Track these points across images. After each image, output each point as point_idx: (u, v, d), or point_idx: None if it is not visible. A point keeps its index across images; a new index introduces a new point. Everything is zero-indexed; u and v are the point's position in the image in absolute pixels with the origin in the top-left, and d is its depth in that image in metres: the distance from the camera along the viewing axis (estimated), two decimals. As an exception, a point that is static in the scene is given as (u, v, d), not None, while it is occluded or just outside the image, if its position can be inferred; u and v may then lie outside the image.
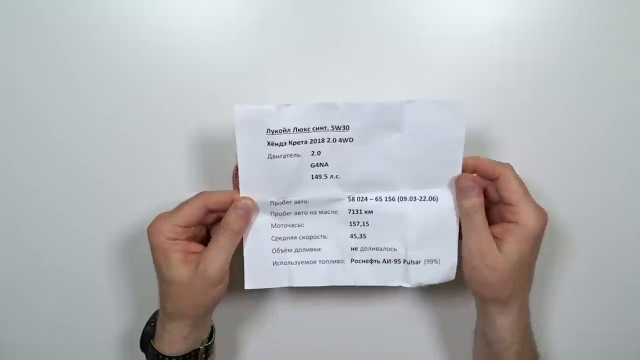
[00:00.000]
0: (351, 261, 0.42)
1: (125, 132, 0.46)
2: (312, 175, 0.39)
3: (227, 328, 0.47)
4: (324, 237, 0.41)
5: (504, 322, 0.39)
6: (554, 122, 0.46)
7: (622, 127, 0.46)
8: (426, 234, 0.40)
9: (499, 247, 0.37)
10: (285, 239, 0.41)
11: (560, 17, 0.44)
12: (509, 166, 0.39)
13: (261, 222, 0.40)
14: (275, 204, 0.40)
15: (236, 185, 0.41)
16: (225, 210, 0.39)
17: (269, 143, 0.38)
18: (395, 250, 0.41)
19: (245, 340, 0.51)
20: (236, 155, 0.39)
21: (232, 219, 0.38)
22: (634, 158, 0.47)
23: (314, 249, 0.41)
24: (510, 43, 0.45)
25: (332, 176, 0.39)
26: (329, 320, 0.50)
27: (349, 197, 0.40)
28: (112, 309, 0.49)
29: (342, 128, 0.38)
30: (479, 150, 0.46)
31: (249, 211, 0.39)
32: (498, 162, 0.39)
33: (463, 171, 0.39)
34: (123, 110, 0.45)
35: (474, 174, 0.39)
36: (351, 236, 0.41)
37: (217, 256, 0.38)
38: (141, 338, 0.43)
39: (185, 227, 0.38)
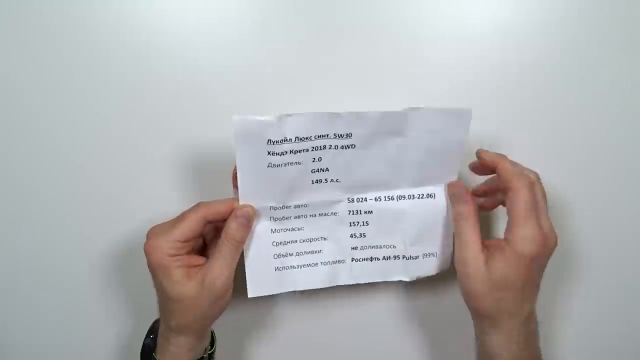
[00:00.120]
0: (352, 260, 0.42)
1: (124, 132, 0.46)
2: (313, 180, 0.39)
3: (227, 332, 0.47)
4: (324, 238, 0.41)
5: (491, 339, 0.38)
6: (554, 122, 0.46)
7: (622, 127, 0.46)
8: (424, 230, 0.41)
9: (487, 259, 0.36)
10: (285, 243, 0.41)
11: (560, 17, 0.44)
12: (523, 177, 0.36)
13: (261, 228, 0.40)
14: (275, 209, 0.39)
15: (236, 185, 0.40)
16: (224, 220, 0.38)
17: (269, 153, 0.37)
18: (394, 247, 0.42)
19: (246, 344, 0.51)
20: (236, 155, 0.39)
21: (233, 229, 0.37)
22: (634, 158, 0.47)
23: (315, 251, 0.41)
24: (510, 43, 0.45)
25: (332, 180, 0.39)
26: (329, 322, 0.50)
27: (348, 199, 0.41)
28: (112, 309, 0.49)
29: (344, 136, 0.37)
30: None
31: (250, 219, 0.38)
32: (516, 170, 0.37)
33: (478, 167, 0.40)
34: (122, 110, 0.45)
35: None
36: (351, 236, 0.41)
37: (222, 269, 0.37)
38: (141, 351, 0.42)
39: (185, 241, 0.37)
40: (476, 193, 0.42)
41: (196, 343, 0.39)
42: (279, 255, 0.41)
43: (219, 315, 0.39)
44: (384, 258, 0.42)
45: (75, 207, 0.47)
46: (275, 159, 0.37)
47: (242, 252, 0.39)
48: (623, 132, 0.46)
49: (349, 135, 0.37)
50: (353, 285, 0.43)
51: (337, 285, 0.42)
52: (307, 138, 0.37)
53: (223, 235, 0.37)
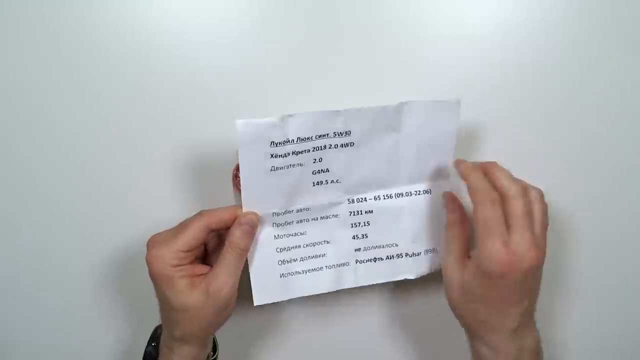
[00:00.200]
0: (356, 262, 0.42)
1: (124, 132, 0.46)
2: (314, 182, 0.39)
3: (230, 339, 0.47)
4: (327, 242, 0.41)
5: (479, 350, 0.38)
6: (554, 122, 0.46)
7: (622, 126, 0.46)
8: (423, 226, 0.42)
9: (463, 270, 0.37)
10: (289, 249, 0.40)
11: (559, 17, 0.44)
12: (486, 194, 0.35)
13: (264, 235, 0.39)
14: (278, 214, 0.39)
15: (236, 185, 0.41)
16: (227, 228, 0.37)
17: (272, 155, 0.37)
18: (397, 245, 0.42)
19: (249, 351, 0.51)
20: (236, 154, 0.38)
21: (237, 237, 0.37)
22: (634, 158, 0.47)
23: (319, 255, 0.41)
24: (510, 43, 0.45)
25: (332, 181, 0.39)
26: (333, 328, 0.50)
27: (348, 200, 0.41)
28: (111, 309, 0.49)
29: (344, 134, 0.38)
30: (478, 150, 0.46)
31: (254, 226, 0.37)
32: (481, 186, 0.36)
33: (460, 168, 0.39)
34: (122, 110, 0.45)
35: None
36: (353, 237, 0.42)
37: (227, 278, 0.36)
38: (143, 358, 0.42)
39: (188, 251, 0.36)
40: None
41: (200, 351, 0.39)
42: (283, 262, 0.40)
43: (223, 323, 0.39)
44: (387, 257, 0.42)
45: (75, 207, 0.47)
46: (278, 162, 0.37)
47: (246, 260, 0.39)
48: (623, 132, 0.46)
49: (347, 133, 0.38)
50: (356, 289, 0.42)
51: (341, 290, 0.42)
52: (308, 138, 0.37)
53: (227, 243, 0.37)
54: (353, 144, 0.38)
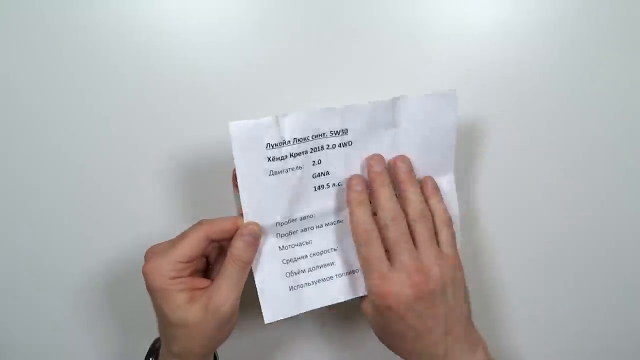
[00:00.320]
0: None
1: (124, 132, 0.46)
2: (315, 187, 0.37)
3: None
4: (334, 249, 0.39)
5: None
6: (554, 122, 0.46)
7: (621, 126, 0.46)
8: None
9: (369, 308, 0.37)
10: (295, 259, 0.38)
11: (559, 16, 0.44)
12: (358, 231, 0.35)
13: (268, 247, 0.37)
14: (281, 224, 0.37)
15: (236, 185, 0.40)
16: (228, 239, 0.35)
17: (269, 159, 0.35)
18: None
19: None
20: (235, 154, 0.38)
21: (240, 249, 0.34)
22: (633, 157, 0.47)
23: (327, 264, 0.39)
24: (510, 42, 0.45)
25: (334, 184, 0.38)
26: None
27: None
28: (112, 309, 0.49)
29: (340, 132, 0.36)
30: (478, 150, 0.46)
31: (257, 237, 0.35)
32: (355, 223, 0.36)
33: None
34: (122, 110, 0.45)
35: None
36: None
37: (229, 292, 0.34)
38: None
39: (187, 262, 0.34)
40: None
41: None
42: (290, 274, 0.38)
43: (225, 339, 0.37)
44: None
45: (75, 207, 0.47)
46: (276, 165, 0.35)
47: (251, 274, 0.37)
48: (622, 132, 0.46)
49: (344, 132, 0.36)
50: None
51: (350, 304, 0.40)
52: (305, 139, 0.36)
53: (229, 255, 0.34)
54: (351, 143, 0.37)
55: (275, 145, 0.35)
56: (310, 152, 0.36)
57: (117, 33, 0.44)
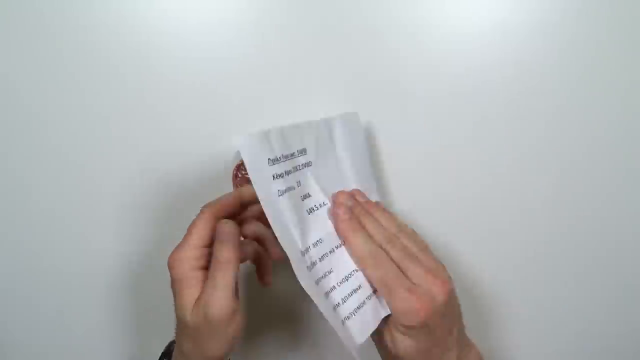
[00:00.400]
0: None
1: (124, 132, 0.46)
2: (307, 210, 0.35)
3: None
4: (356, 270, 0.36)
5: None
6: (553, 122, 0.46)
7: (621, 126, 0.46)
8: None
9: (390, 338, 0.35)
10: (331, 290, 0.35)
11: (559, 17, 0.44)
12: (365, 256, 0.34)
13: (309, 281, 0.33)
14: (303, 254, 0.34)
15: (236, 185, 0.40)
16: (236, 214, 0.36)
17: (273, 177, 0.33)
18: None
19: None
20: (236, 154, 0.38)
21: (216, 249, 0.34)
22: (633, 158, 0.47)
23: (356, 289, 0.35)
24: (510, 42, 0.45)
25: (321, 205, 0.36)
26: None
27: None
28: (112, 309, 0.49)
29: (303, 152, 0.35)
30: (478, 150, 0.46)
31: (231, 235, 0.34)
32: (357, 248, 0.35)
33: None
34: (122, 110, 0.45)
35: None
36: None
37: (212, 295, 0.33)
38: None
39: (204, 247, 0.34)
40: None
41: None
42: (337, 306, 0.34)
43: (228, 349, 0.35)
44: None
45: (76, 207, 0.47)
46: (280, 184, 0.33)
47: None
48: (622, 132, 0.46)
49: (305, 151, 0.35)
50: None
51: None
52: (287, 156, 0.34)
53: (212, 259, 0.34)
54: (311, 163, 0.35)
55: (275, 160, 0.33)
56: (294, 171, 0.34)
57: (117, 33, 0.44)
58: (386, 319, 0.35)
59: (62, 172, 0.46)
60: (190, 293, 0.34)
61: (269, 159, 0.32)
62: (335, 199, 0.37)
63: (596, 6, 0.44)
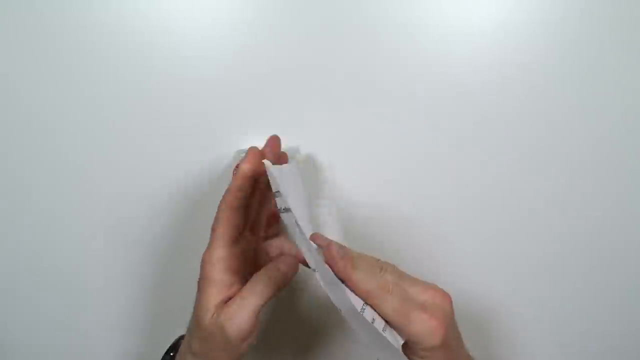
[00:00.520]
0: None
1: (124, 132, 0.46)
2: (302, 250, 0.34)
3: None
4: (364, 305, 0.33)
5: None
6: (554, 122, 0.46)
7: (622, 127, 0.46)
8: None
9: None
10: (359, 327, 0.33)
11: (559, 17, 0.44)
12: (372, 289, 0.32)
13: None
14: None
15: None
16: (254, 190, 0.35)
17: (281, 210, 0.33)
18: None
19: None
20: (235, 153, 0.38)
21: (267, 276, 0.34)
22: (634, 158, 0.47)
23: (372, 321, 0.33)
24: (510, 42, 0.45)
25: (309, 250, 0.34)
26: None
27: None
28: (112, 309, 0.49)
29: (277, 194, 0.34)
30: (478, 150, 0.46)
31: (291, 270, 0.34)
32: (362, 285, 0.32)
33: None
34: (122, 110, 0.45)
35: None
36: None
37: (238, 313, 0.32)
38: None
39: (232, 242, 0.34)
40: None
41: None
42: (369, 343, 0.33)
43: (239, 356, 0.35)
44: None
45: (75, 207, 0.47)
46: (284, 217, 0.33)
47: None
48: (623, 133, 0.46)
49: (279, 194, 0.33)
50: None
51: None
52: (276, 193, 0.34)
53: (253, 276, 0.34)
54: (289, 209, 0.32)
55: (276, 193, 0.33)
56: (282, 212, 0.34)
57: (117, 33, 0.44)
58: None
59: (62, 172, 0.46)
60: (215, 294, 0.34)
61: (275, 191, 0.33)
62: (315, 242, 0.34)
63: (598, 6, 0.44)
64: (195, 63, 0.45)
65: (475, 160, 0.46)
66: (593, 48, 0.44)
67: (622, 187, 0.47)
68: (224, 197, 0.36)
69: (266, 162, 0.34)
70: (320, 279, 0.32)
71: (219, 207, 0.36)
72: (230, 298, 0.34)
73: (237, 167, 0.42)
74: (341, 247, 0.34)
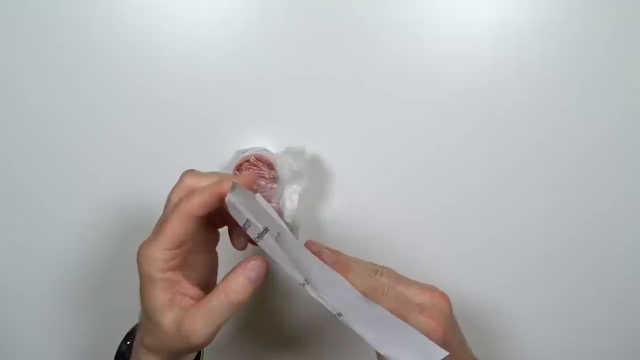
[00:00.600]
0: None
1: (124, 132, 0.46)
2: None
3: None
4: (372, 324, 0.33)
5: None
6: (554, 122, 0.46)
7: (622, 127, 0.46)
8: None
9: None
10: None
11: (560, 17, 0.44)
12: (373, 288, 0.32)
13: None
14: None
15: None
16: (218, 208, 0.31)
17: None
18: None
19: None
20: (235, 154, 0.38)
21: (236, 284, 0.30)
22: (634, 158, 0.47)
23: (376, 306, 0.32)
24: (510, 42, 0.45)
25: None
26: None
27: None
28: (112, 309, 0.49)
29: (248, 223, 0.31)
30: (478, 150, 0.46)
31: (261, 276, 0.31)
32: (361, 282, 0.32)
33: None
34: (122, 110, 0.45)
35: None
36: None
37: (204, 325, 0.30)
38: (115, 356, 0.39)
39: (176, 248, 0.30)
40: None
41: None
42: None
43: (187, 358, 0.34)
44: None
45: (75, 207, 0.47)
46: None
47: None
48: (623, 132, 0.46)
49: (248, 223, 0.31)
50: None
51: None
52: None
53: (220, 286, 0.31)
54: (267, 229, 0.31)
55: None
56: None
57: (118, 33, 0.44)
58: None
59: (62, 172, 0.46)
60: (159, 296, 0.30)
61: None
62: (309, 248, 0.33)
63: (598, 6, 0.44)
64: (196, 63, 0.45)
65: (475, 160, 0.46)
66: (593, 48, 0.44)
67: (622, 187, 0.47)
68: (188, 200, 0.31)
69: (229, 197, 0.30)
70: (311, 290, 0.31)
71: (179, 208, 0.31)
72: (180, 293, 0.31)
73: (237, 168, 0.42)
74: (333, 252, 0.34)
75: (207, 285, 0.34)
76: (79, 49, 0.44)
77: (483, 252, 0.49)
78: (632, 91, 0.45)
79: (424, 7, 0.44)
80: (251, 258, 0.31)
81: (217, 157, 0.46)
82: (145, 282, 0.31)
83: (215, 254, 0.36)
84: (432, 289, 0.33)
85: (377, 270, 0.34)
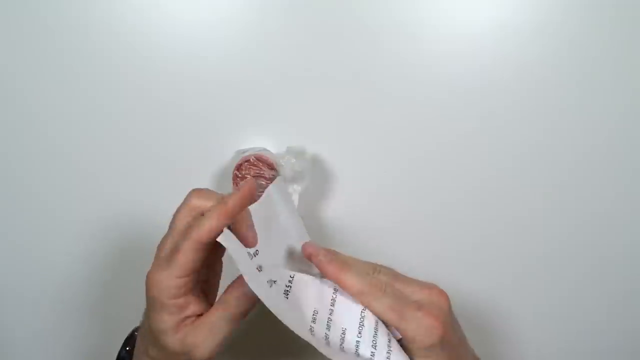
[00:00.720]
0: None
1: (125, 132, 0.46)
2: (284, 294, 0.33)
3: None
4: (363, 309, 0.33)
5: None
6: (553, 122, 0.46)
7: (621, 126, 0.46)
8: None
9: None
10: (357, 345, 0.33)
11: (560, 17, 0.44)
12: (365, 288, 0.32)
13: (340, 354, 0.31)
14: (313, 333, 0.32)
15: (236, 185, 0.40)
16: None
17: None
18: None
19: None
20: (235, 154, 0.38)
21: (233, 299, 0.31)
22: (634, 158, 0.47)
23: (376, 327, 0.33)
24: (510, 42, 0.45)
25: (290, 280, 0.34)
26: None
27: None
28: (112, 309, 0.49)
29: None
30: (478, 150, 0.46)
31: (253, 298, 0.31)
32: (353, 283, 0.32)
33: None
34: (122, 110, 0.45)
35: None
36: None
37: (205, 340, 0.31)
38: None
39: (187, 276, 0.31)
40: None
41: None
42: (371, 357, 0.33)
43: None
44: None
45: (75, 208, 0.47)
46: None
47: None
48: (623, 132, 0.46)
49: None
50: None
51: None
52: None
53: (219, 301, 0.31)
54: (258, 252, 0.33)
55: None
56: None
57: (118, 33, 0.44)
58: None
59: (62, 172, 0.46)
60: (168, 320, 0.31)
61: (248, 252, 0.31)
62: (306, 250, 0.35)
63: (598, 6, 0.44)
64: (196, 63, 0.45)
65: (475, 159, 0.47)
66: (593, 48, 0.45)
67: (621, 186, 0.47)
68: (199, 228, 0.30)
69: (225, 242, 0.30)
70: (317, 345, 0.30)
71: (190, 237, 0.30)
72: (188, 317, 0.32)
73: (237, 168, 0.43)
74: (329, 251, 0.34)
75: (212, 290, 0.36)
76: (79, 49, 0.44)
77: (483, 251, 0.49)
78: (632, 91, 0.45)
79: (424, 7, 0.44)
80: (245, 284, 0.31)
81: (217, 157, 0.46)
82: (154, 305, 0.32)
83: (221, 262, 0.36)
84: (430, 287, 0.33)
85: (375, 268, 0.34)
